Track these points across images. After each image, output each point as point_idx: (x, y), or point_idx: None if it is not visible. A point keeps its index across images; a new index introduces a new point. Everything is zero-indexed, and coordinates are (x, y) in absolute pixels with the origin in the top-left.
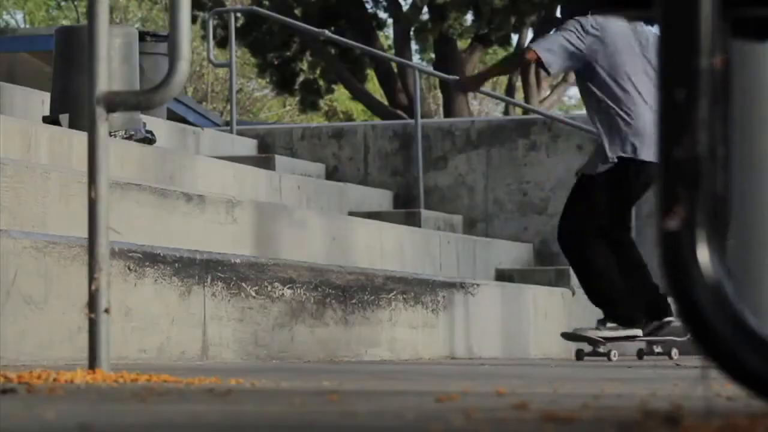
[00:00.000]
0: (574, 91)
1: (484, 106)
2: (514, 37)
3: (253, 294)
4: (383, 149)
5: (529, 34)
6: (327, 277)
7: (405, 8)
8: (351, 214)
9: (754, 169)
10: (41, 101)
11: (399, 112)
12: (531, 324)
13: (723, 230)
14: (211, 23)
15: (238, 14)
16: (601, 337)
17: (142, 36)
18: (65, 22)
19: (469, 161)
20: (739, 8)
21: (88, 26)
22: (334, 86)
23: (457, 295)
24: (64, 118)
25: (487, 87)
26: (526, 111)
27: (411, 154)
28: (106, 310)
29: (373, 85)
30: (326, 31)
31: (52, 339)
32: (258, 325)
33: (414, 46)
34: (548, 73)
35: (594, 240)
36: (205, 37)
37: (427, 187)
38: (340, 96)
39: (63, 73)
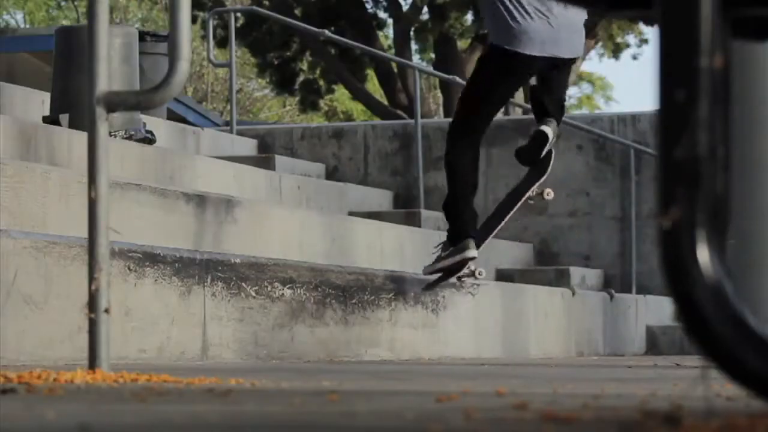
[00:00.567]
0: (574, 91)
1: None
2: None
3: (253, 294)
4: (383, 149)
5: None
6: (327, 277)
7: (405, 8)
8: (351, 214)
9: (754, 169)
10: (41, 101)
11: (399, 112)
12: (531, 324)
13: (723, 230)
14: (211, 23)
15: (238, 14)
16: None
17: (142, 36)
18: (65, 22)
19: None
20: (739, 8)
21: (88, 26)
22: (334, 86)
23: (457, 295)
24: (64, 118)
25: None
26: (526, 111)
27: (411, 154)
28: (106, 310)
29: (373, 85)
30: (326, 31)
31: (52, 339)
32: (258, 325)
33: (414, 46)
34: None
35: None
36: (205, 37)
37: (427, 187)
38: (340, 96)
39: (63, 73)
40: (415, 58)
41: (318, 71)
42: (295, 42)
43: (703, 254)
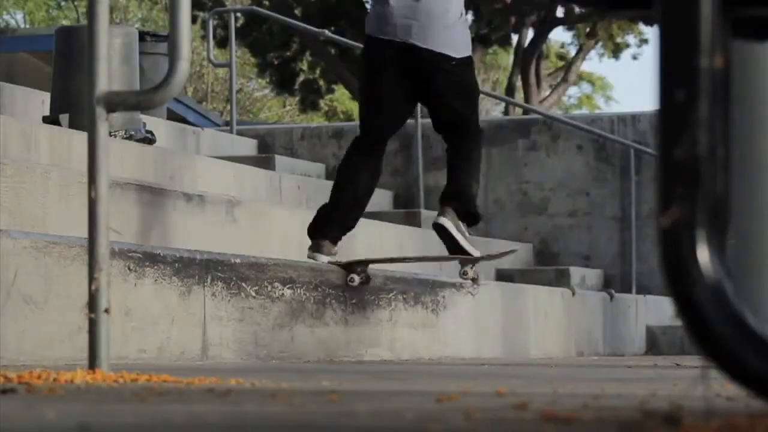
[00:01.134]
0: (574, 91)
1: (484, 106)
2: (514, 37)
3: (253, 294)
4: None
5: (530, 34)
6: (327, 277)
7: None
8: None
9: (754, 169)
10: (41, 101)
11: None
12: (531, 324)
13: (723, 230)
14: (211, 23)
15: (238, 14)
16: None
17: (142, 36)
18: (65, 22)
19: None
20: (739, 8)
21: (88, 26)
22: (334, 86)
23: (457, 295)
24: (64, 118)
25: (487, 87)
26: (526, 111)
27: (411, 154)
28: (106, 310)
29: None
30: (326, 31)
31: (52, 339)
32: (258, 325)
33: None
34: None
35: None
36: (205, 37)
37: (427, 187)
38: (340, 96)
39: (63, 73)
40: None
41: (318, 71)
42: (295, 42)
43: (703, 254)
